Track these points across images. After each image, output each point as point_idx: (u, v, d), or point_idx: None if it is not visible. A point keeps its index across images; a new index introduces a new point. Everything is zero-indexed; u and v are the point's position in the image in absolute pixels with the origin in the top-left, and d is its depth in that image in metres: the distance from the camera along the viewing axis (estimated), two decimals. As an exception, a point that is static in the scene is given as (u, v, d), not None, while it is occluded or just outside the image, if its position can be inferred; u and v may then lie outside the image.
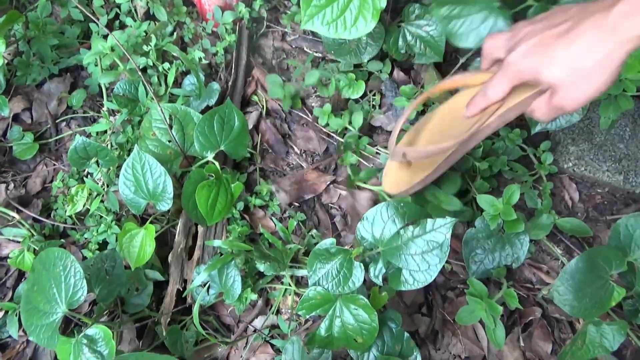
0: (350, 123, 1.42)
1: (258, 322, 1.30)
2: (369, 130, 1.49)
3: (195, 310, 1.13)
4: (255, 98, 1.51)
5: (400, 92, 1.40)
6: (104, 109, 1.41)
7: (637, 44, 0.66)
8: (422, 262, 0.91)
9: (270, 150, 1.48)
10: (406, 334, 1.09)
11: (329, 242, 0.99)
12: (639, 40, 0.66)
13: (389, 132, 1.44)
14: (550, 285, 1.34)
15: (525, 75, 0.76)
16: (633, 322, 1.19)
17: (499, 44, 0.83)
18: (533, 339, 1.32)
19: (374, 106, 1.48)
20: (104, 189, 1.33)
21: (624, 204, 1.48)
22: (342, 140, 1.44)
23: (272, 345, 1.27)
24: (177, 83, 1.45)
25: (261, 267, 1.17)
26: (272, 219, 1.39)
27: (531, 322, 1.34)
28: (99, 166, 1.33)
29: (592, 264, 1.02)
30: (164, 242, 1.37)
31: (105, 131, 1.40)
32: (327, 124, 1.45)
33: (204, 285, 1.22)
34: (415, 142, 1.07)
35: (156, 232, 1.24)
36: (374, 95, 1.49)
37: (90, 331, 0.98)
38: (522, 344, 1.32)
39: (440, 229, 0.90)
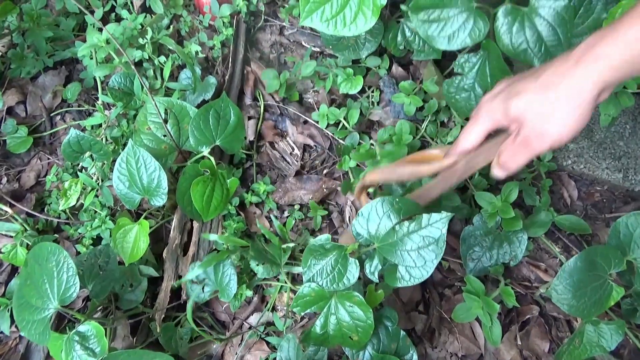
0: (346, 119, 1.40)
1: (253, 319, 1.29)
2: (367, 127, 1.47)
3: (189, 307, 1.12)
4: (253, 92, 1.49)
5: (399, 87, 1.39)
6: (99, 102, 1.40)
7: (606, 75, 0.63)
8: (418, 258, 0.90)
9: (267, 146, 1.46)
10: (402, 333, 1.08)
11: (324, 238, 0.98)
12: (607, 71, 0.63)
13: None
14: (549, 283, 1.33)
15: (495, 113, 0.74)
16: (631, 322, 1.18)
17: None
18: (530, 338, 1.31)
19: (372, 103, 1.46)
20: (98, 184, 1.31)
21: (623, 202, 1.47)
22: (340, 142, 1.42)
23: (268, 343, 1.26)
24: (173, 77, 1.43)
25: (257, 269, 1.16)
26: (269, 216, 1.38)
27: (528, 321, 1.33)
28: (93, 160, 1.31)
29: (591, 263, 1.01)
30: (159, 238, 1.35)
31: (100, 125, 1.39)
32: (327, 125, 1.43)
33: (200, 282, 1.21)
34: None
35: (151, 227, 1.23)
36: (373, 91, 1.47)
37: (82, 328, 0.96)
38: (519, 342, 1.30)
39: (436, 224, 0.88)
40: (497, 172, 0.78)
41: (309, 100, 1.50)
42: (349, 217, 1.40)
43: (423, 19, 1.09)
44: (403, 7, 1.24)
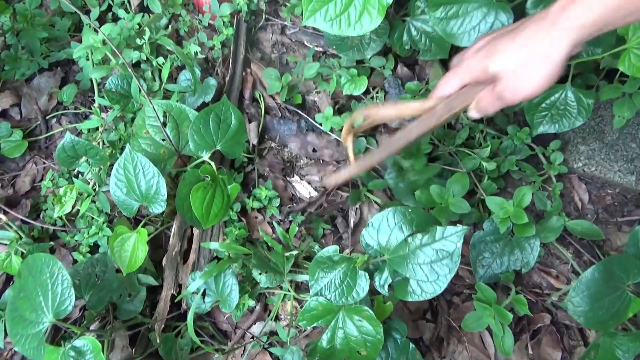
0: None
1: (256, 329, 1.25)
2: (372, 128, 1.43)
3: (190, 320, 1.08)
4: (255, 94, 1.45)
5: (405, 89, 1.34)
6: (96, 105, 1.35)
7: (579, 35, 0.69)
8: (430, 273, 0.86)
9: (268, 149, 1.42)
10: (411, 345, 1.05)
11: (331, 249, 0.94)
12: (580, 31, 0.68)
13: (394, 129, 1.39)
14: (561, 290, 1.29)
15: (474, 69, 0.81)
16: (647, 331, 1.14)
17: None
18: (542, 347, 1.27)
19: (377, 104, 1.42)
20: (94, 189, 1.27)
21: (635, 206, 1.43)
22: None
23: (271, 353, 1.22)
24: (172, 78, 1.39)
25: (259, 278, 1.12)
26: (271, 222, 1.33)
27: (540, 329, 1.29)
28: (89, 165, 1.27)
29: (609, 273, 0.97)
30: (158, 245, 1.31)
31: (97, 128, 1.34)
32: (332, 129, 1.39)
33: (200, 291, 1.17)
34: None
35: (150, 234, 1.18)
36: (377, 92, 1.43)
37: (78, 343, 0.92)
38: (530, 351, 1.27)
39: (450, 237, 0.84)
40: (474, 114, 0.86)
41: (312, 99, 1.46)
42: (354, 221, 1.36)
43: (441, 17, 1.05)
44: (419, 3, 1.20)
